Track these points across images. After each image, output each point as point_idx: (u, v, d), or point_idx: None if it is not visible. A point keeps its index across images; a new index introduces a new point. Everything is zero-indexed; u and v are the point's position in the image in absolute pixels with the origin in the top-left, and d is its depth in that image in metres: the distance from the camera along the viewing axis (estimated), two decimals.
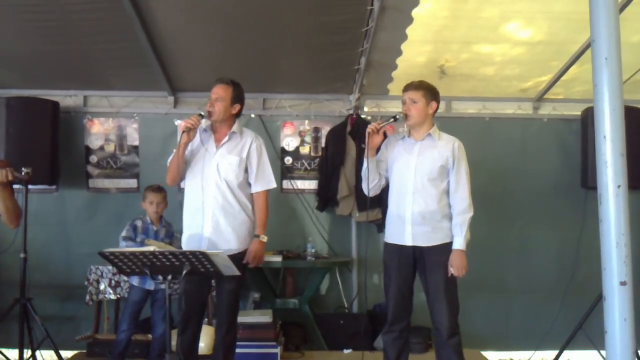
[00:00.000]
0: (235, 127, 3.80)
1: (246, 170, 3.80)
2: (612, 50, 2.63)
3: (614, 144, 2.59)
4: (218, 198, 3.70)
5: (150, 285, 4.44)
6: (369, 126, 3.67)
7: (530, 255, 5.75)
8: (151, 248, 3.19)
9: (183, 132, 3.62)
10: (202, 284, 3.74)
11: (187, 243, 3.76)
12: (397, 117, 3.69)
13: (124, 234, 4.53)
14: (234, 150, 3.77)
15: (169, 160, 3.84)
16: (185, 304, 3.71)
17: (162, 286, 4.32)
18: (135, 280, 4.50)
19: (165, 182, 3.93)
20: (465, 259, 3.56)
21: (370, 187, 3.77)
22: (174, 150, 3.81)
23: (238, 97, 3.79)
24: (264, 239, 3.80)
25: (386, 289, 3.71)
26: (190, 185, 3.76)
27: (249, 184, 3.83)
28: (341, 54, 5.02)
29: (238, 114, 3.84)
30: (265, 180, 3.85)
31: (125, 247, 4.47)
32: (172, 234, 4.68)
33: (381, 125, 3.66)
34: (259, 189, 3.84)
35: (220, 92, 3.73)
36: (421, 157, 3.65)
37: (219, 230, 3.70)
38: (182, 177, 3.78)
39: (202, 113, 3.71)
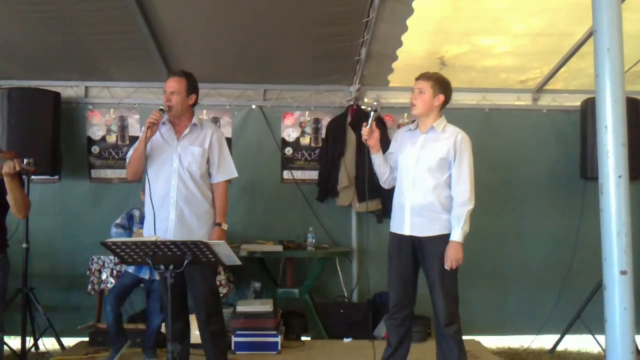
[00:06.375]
0: (195, 119, 3.87)
1: (207, 161, 3.86)
2: (614, 40, 2.64)
3: (616, 134, 2.61)
4: (181, 189, 3.76)
5: (145, 274, 4.49)
6: (362, 135, 3.71)
7: (529, 245, 5.80)
8: (153, 238, 3.21)
9: (147, 127, 3.65)
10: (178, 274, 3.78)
11: (150, 233, 3.78)
12: (375, 109, 3.77)
13: (117, 221, 4.58)
14: (195, 142, 3.83)
15: (128, 155, 3.89)
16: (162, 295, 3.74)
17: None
18: (130, 268, 4.54)
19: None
20: (460, 251, 3.56)
21: (383, 180, 3.86)
22: (133, 146, 3.88)
23: (192, 87, 3.83)
24: (225, 226, 3.88)
25: (389, 277, 3.75)
26: (152, 178, 3.76)
27: (209, 175, 3.89)
28: (342, 45, 5.03)
29: (194, 104, 3.90)
30: (226, 170, 3.93)
31: (115, 234, 4.53)
32: None
33: (368, 126, 3.69)
34: (221, 179, 3.91)
35: (174, 85, 3.77)
36: (423, 150, 3.67)
37: (184, 220, 3.76)
38: (143, 172, 3.82)
39: (162, 108, 3.74)
